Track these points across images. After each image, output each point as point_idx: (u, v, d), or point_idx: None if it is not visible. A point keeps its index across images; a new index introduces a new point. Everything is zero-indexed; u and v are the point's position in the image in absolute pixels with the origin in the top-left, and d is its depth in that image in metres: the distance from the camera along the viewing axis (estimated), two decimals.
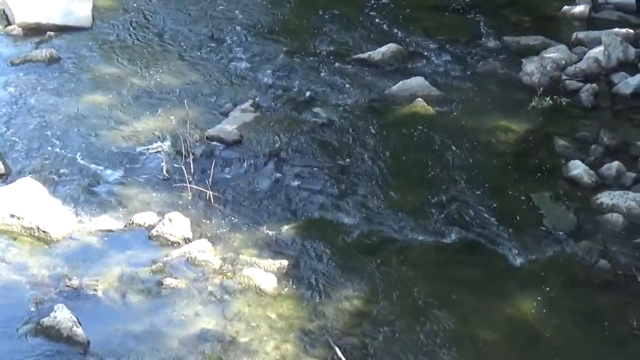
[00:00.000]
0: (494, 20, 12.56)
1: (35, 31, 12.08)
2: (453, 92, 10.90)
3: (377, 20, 12.58)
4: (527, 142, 10.03)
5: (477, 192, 9.08)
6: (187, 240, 8.21)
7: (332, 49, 11.86)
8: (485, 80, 11.20)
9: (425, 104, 10.43)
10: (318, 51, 11.77)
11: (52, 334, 7.09)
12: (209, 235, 8.33)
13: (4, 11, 12.48)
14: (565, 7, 12.82)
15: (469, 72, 11.34)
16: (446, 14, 12.87)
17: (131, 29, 12.29)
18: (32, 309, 7.36)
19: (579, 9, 12.75)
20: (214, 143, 9.75)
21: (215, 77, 11.12)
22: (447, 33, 12.16)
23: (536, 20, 12.63)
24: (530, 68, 11.12)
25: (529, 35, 12.05)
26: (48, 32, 12.00)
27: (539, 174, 9.47)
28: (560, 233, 8.56)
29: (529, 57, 11.47)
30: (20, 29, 12.05)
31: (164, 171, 9.19)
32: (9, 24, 12.23)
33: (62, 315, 7.13)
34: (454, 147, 9.81)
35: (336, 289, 7.79)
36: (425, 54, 11.69)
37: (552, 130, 10.20)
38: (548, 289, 7.88)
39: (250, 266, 7.90)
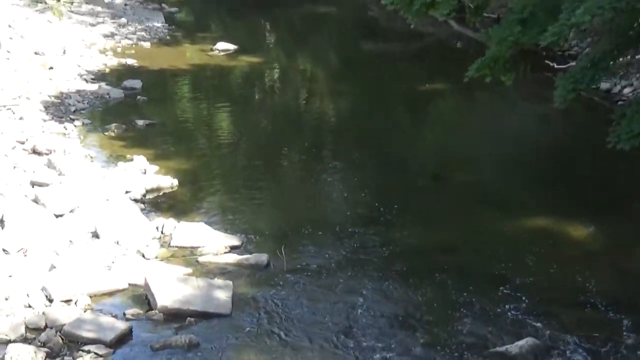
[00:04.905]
0: (637, 316, 12.33)
1: (175, 316, 12.29)
2: None
3: (513, 312, 12.49)
4: None
5: None
6: None
7: (468, 340, 11.79)
8: None
9: None
10: (454, 343, 11.71)
11: None
12: None
13: (146, 295, 12.81)
14: None
15: None
16: (585, 309, 12.66)
17: (269, 317, 12.38)
18: None
19: None
20: None
21: None
22: (585, 329, 11.97)
23: None
24: None
25: None
26: (188, 318, 12.22)
27: None
28: None
29: None
30: (161, 314, 12.33)
31: None
32: (151, 308, 12.51)
33: None
34: None
35: None
36: (563, 350, 11.51)
37: None
38: None
39: None
